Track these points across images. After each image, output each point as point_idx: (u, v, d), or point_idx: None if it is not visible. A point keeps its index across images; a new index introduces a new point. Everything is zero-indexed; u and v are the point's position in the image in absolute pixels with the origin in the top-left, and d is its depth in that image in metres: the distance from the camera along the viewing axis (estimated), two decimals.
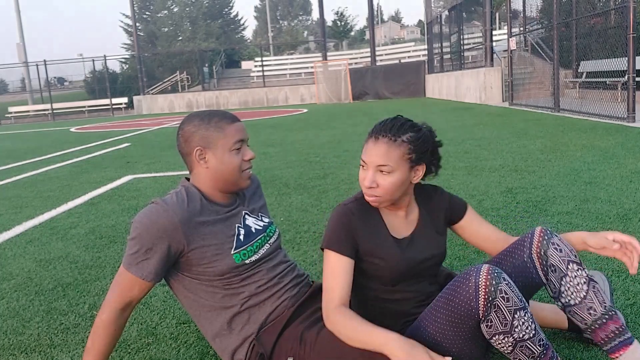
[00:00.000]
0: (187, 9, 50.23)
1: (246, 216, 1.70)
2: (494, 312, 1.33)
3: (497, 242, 1.69)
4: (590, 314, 1.47)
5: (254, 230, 1.68)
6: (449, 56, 19.03)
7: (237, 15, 56.90)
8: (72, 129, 17.07)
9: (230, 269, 1.59)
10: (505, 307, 1.33)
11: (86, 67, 37.96)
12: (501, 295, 1.33)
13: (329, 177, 5.14)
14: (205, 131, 1.60)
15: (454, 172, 4.93)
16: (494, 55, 15.13)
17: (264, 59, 30.87)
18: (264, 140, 8.97)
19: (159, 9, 49.88)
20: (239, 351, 1.59)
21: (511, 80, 12.85)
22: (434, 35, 21.50)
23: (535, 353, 1.37)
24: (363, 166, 1.54)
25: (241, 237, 1.63)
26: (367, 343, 1.39)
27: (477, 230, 1.70)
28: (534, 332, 1.35)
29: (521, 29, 13.88)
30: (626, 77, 7.96)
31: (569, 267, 1.50)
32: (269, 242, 1.71)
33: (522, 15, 13.32)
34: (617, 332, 1.47)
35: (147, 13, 49.44)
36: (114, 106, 28.24)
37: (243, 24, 58.76)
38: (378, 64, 26.10)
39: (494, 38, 16.83)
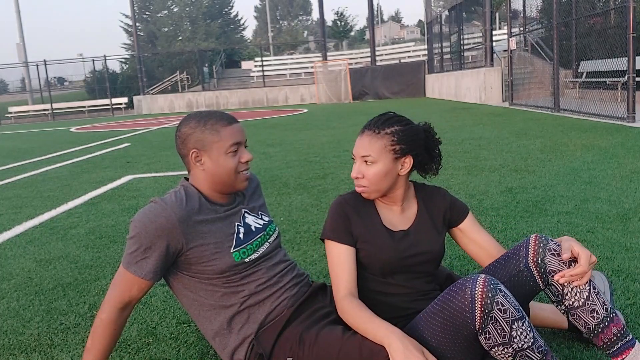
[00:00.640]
0: (187, 9, 50.26)
1: (246, 214, 1.70)
2: (492, 324, 1.33)
3: (491, 252, 1.70)
4: (593, 317, 1.47)
5: (253, 229, 1.68)
6: (449, 56, 19.02)
7: (237, 15, 57.02)
8: (72, 129, 17.06)
9: (230, 267, 1.59)
10: (503, 318, 1.33)
11: (86, 67, 38.09)
12: (498, 307, 1.33)
13: (329, 177, 5.14)
14: (201, 134, 1.60)
15: (454, 171, 4.94)
16: (494, 55, 15.13)
17: (264, 59, 30.86)
18: (263, 140, 8.97)
19: (158, 9, 49.90)
20: (238, 351, 1.59)
21: (511, 80, 12.84)
22: (434, 35, 21.50)
23: None
24: (353, 159, 1.62)
25: (241, 235, 1.63)
26: (369, 333, 1.45)
27: (475, 237, 1.72)
28: (532, 340, 1.35)
29: (521, 29, 13.86)
30: (626, 77, 7.96)
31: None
32: (268, 240, 1.71)
33: (522, 15, 13.29)
34: (618, 334, 1.46)
35: (147, 13, 49.44)
36: (114, 106, 28.25)
37: (243, 24, 58.90)
38: (378, 64, 26.08)
39: (494, 38, 16.85)
